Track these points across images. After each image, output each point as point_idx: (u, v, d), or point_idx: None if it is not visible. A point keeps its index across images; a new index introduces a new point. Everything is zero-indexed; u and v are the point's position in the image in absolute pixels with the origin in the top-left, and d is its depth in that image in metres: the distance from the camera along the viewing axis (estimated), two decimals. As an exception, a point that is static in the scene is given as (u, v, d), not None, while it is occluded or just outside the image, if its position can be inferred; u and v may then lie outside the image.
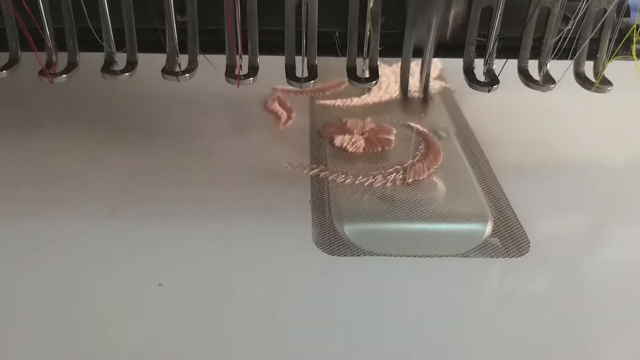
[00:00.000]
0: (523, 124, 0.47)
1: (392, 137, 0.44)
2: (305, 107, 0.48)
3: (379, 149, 0.43)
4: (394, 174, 0.39)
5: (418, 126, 0.45)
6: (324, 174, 0.40)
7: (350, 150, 0.42)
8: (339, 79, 0.51)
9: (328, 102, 0.49)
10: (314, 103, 0.49)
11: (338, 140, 0.43)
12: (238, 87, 0.34)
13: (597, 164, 0.43)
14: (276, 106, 0.48)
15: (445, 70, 0.54)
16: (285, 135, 0.45)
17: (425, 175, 0.40)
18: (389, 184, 0.39)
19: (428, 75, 0.35)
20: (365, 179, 0.39)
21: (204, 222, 0.35)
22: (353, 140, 0.43)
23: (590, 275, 0.34)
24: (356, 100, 0.49)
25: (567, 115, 0.48)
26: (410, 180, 0.39)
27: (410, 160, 0.41)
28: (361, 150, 0.43)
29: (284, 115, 0.47)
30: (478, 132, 0.45)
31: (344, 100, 0.49)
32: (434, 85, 0.51)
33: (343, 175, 0.39)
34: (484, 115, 0.47)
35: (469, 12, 0.33)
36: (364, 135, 0.44)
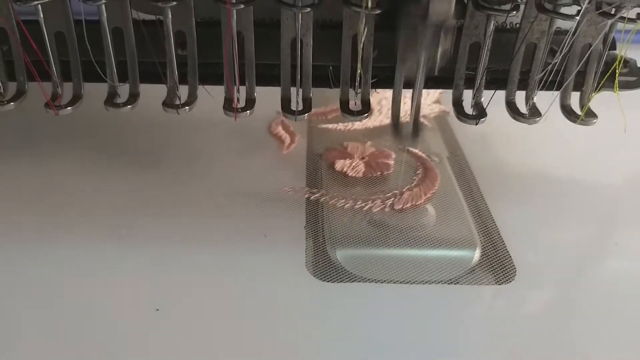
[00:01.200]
0: (516, 149, 0.48)
1: (391, 162, 0.45)
2: (313, 130, 0.50)
3: (378, 173, 0.44)
4: (392, 199, 0.41)
5: (417, 151, 0.46)
6: (324, 198, 0.41)
7: (350, 174, 0.44)
8: None
9: (330, 125, 0.50)
10: (315, 128, 0.50)
11: (339, 164, 0.44)
12: (235, 119, 0.35)
13: (589, 190, 0.44)
14: (280, 130, 0.49)
15: (443, 94, 0.55)
16: (288, 159, 0.46)
17: (423, 200, 0.41)
18: (387, 209, 0.40)
19: (418, 107, 0.36)
20: (364, 204, 0.40)
21: (202, 248, 0.37)
22: (353, 164, 0.44)
23: (575, 304, 0.35)
24: (357, 124, 0.50)
25: (560, 140, 0.48)
26: (408, 205, 0.40)
27: (408, 186, 0.42)
28: (361, 174, 0.44)
29: (287, 139, 0.48)
30: (471, 157, 0.46)
31: (345, 124, 0.50)
32: (433, 109, 0.53)
33: (343, 200, 0.41)
34: (478, 140, 0.48)
35: (458, 47, 0.35)
36: (364, 160, 0.45)
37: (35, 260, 0.35)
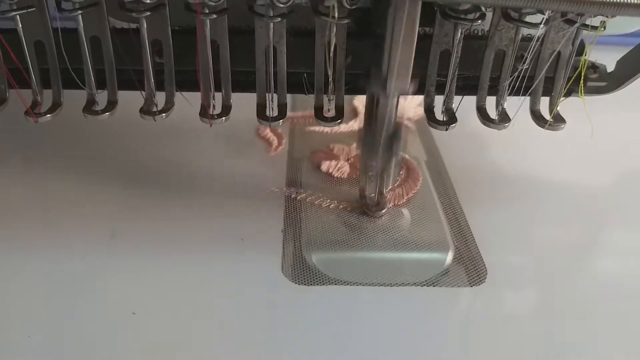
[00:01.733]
0: (494, 152, 0.49)
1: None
2: (296, 132, 0.51)
3: None
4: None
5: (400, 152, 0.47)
6: (310, 198, 0.42)
7: (335, 175, 0.45)
8: None
9: (317, 128, 0.51)
10: (302, 130, 0.51)
11: (324, 165, 0.45)
12: (210, 126, 0.36)
13: (562, 192, 0.45)
14: (268, 132, 0.50)
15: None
16: (275, 160, 0.47)
17: (405, 200, 0.42)
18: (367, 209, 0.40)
19: (382, 182, 0.37)
20: (348, 204, 0.41)
21: (179, 252, 0.37)
22: (339, 166, 0.45)
23: (544, 304, 0.36)
24: (343, 127, 0.51)
25: (534, 144, 0.49)
26: (390, 204, 0.41)
27: (391, 186, 0.43)
28: (346, 175, 0.45)
29: (274, 141, 0.49)
30: (448, 160, 0.47)
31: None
32: (417, 111, 0.53)
33: (328, 200, 0.41)
34: (456, 144, 0.49)
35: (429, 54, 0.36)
36: (349, 161, 0.46)
37: (12, 266, 0.36)
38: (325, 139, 0.50)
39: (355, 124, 0.52)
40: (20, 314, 0.33)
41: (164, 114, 0.36)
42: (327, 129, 0.51)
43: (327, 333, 0.33)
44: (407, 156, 0.47)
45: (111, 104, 0.36)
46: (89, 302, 0.34)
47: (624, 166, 0.49)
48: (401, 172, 0.45)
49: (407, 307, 0.34)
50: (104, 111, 0.36)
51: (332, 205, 0.41)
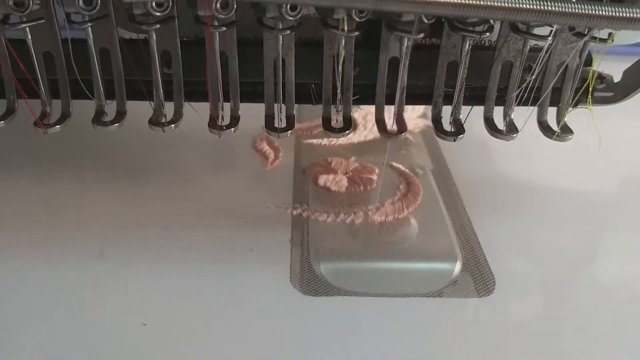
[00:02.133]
0: (500, 161, 0.49)
1: (375, 177, 0.46)
2: (301, 144, 0.51)
3: (361, 188, 0.44)
4: (374, 211, 0.41)
5: (400, 166, 0.47)
6: (306, 212, 0.42)
7: (333, 189, 0.44)
8: None
9: (315, 141, 0.51)
10: (301, 143, 0.51)
11: (322, 179, 0.45)
12: (219, 137, 0.36)
13: (569, 201, 0.45)
14: (264, 146, 0.50)
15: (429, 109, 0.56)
16: (271, 174, 0.47)
17: (405, 214, 0.42)
18: (368, 221, 0.40)
19: (402, 102, 0.36)
20: (346, 216, 0.41)
21: (188, 263, 0.38)
22: (337, 179, 0.45)
23: (551, 315, 0.36)
24: (342, 140, 0.51)
25: (541, 152, 0.49)
26: (390, 218, 0.41)
27: (390, 199, 0.43)
28: (344, 189, 0.44)
29: (271, 155, 0.49)
30: (455, 169, 0.47)
31: (330, 139, 0.51)
32: (418, 124, 0.53)
33: (325, 214, 0.41)
34: (462, 153, 0.49)
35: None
36: (348, 175, 0.46)
37: (22, 275, 0.36)
38: (324, 152, 0.49)
39: (353, 137, 0.51)
40: (23, 323, 0.33)
41: (172, 125, 0.36)
42: (325, 142, 0.51)
43: (335, 343, 0.33)
44: (406, 170, 0.47)
45: (120, 115, 0.36)
46: (98, 313, 0.34)
47: (632, 174, 0.49)
48: (401, 186, 0.45)
49: (415, 318, 0.34)
50: (112, 122, 0.36)
51: (339, 219, 0.41)
